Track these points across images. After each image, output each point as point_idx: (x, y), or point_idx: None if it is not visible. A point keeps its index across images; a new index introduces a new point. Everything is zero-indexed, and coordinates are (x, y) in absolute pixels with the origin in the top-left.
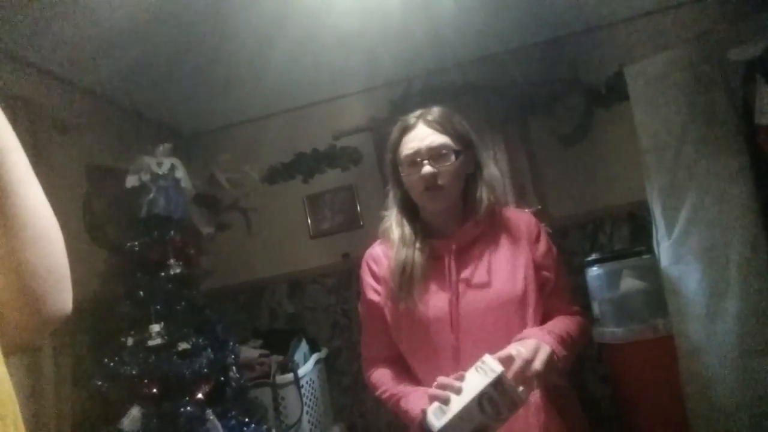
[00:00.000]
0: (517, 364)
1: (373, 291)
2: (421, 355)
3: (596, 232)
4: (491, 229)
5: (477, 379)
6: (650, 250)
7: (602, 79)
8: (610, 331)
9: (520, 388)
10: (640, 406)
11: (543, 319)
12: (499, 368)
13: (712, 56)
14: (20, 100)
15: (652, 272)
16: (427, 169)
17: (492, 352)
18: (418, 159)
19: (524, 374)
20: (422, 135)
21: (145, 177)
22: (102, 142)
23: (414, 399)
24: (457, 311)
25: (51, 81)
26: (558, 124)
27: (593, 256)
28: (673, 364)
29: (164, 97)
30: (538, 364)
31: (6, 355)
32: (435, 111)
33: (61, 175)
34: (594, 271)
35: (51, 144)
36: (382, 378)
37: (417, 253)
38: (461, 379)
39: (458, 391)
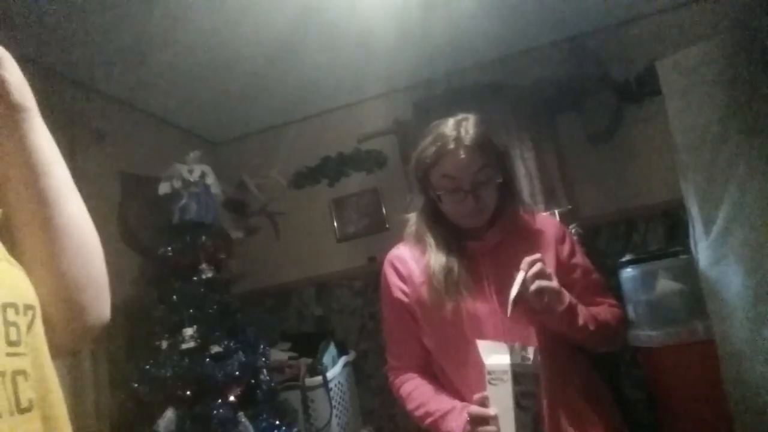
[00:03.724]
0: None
1: (400, 291)
2: (465, 356)
3: (630, 232)
4: (518, 232)
5: (500, 390)
6: (687, 250)
7: (633, 75)
8: (646, 335)
9: (530, 357)
10: (679, 412)
11: None
12: (506, 362)
13: (751, 46)
14: (58, 111)
15: (690, 273)
16: (471, 201)
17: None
18: (460, 188)
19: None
20: (463, 163)
21: (177, 184)
22: (135, 150)
23: (453, 419)
24: (500, 309)
25: (87, 92)
26: (587, 121)
27: (627, 257)
28: (714, 369)
29: (194, 105)
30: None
31: (51, 359)
32: (472, 131)
33: (96, 183)
34: (628, 273)
35: (87, 153)
36: (415, 392)
37: (458, 255)
38: (488, 401)
39: (495, 418)
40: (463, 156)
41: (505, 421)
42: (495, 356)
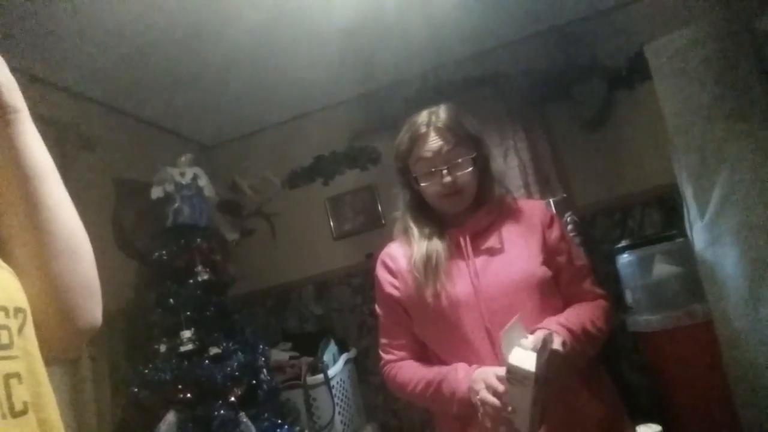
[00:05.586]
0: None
1: (391, 286)
2: (452, 341)
3: (625, 218)
4: (504, 216)
5: (518, 391)
6: (683, 233)
7: (622, 60)
8: (645, 319)
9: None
10: (681, 396)
11: (565, 304)
12: (529, 369)
13: (739, 27)
14: (48, 121)
15: (687, 256)
16: (447, 179)
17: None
18: (435, 168)
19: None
20: (436, 145)
21: (169, 187)
22: (128, 156)
23: (453, 378)
24: (481, 293)
25: (77, 100)
26: (579, 109)
27: (623, 243)
28: (714, 351)
29: (185, 109)
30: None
31: (46, 365)
32: (443, 115)
33: (89, 190)
34: (625, 258)
35: (79, 161)
36: (410, 372)
37: (438, 243)
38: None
39: (511, 410)
40: (434, 136)
41: (519, 417)
42: (518, 353)
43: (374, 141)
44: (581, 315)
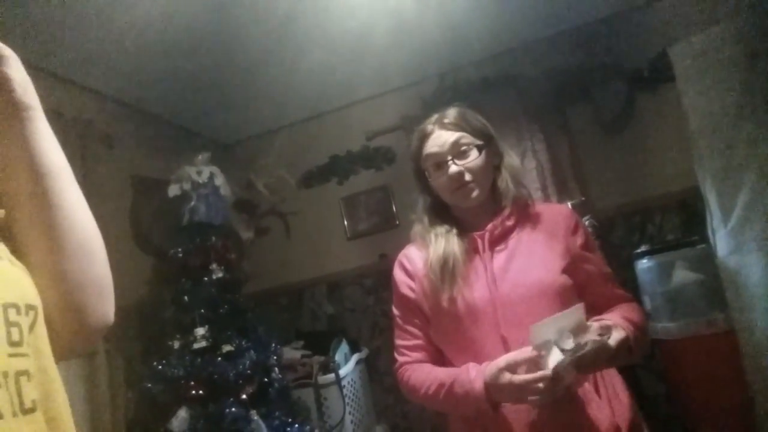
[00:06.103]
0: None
1: (408, 288)
2: (467, 348)
3: (645, 223)
4: (526, 221)
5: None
6: (704, 239)
7: (644, 62)
8: (664, 327)
9: (584, 346)
10: (700, 406)
11: (597, 309)
12: (548, 370)
13: (764, 27)
14: (69, 118)
15: (708, 263)
16: (454, 168)
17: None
18: (442, 160)
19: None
20: (442, 138)
21: (186, 186)
22: (146, 154)
23: (468, 379)
24: (497, 299)
25: (97, 99)
26: (599, 111)
27: (643, 248)
28: (734, 361)
29: (203, 108)
30: (612, 342)
31: (57, 361)
32: (449, 113)
33: (108, 187)
34: (644, 264)
35: (99, 159)
36: (422, 375)
37: (455, 246)
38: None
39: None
40: (440, 132)
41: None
42: (552, 352)
43: (390, 141)
44: (634, 315)
